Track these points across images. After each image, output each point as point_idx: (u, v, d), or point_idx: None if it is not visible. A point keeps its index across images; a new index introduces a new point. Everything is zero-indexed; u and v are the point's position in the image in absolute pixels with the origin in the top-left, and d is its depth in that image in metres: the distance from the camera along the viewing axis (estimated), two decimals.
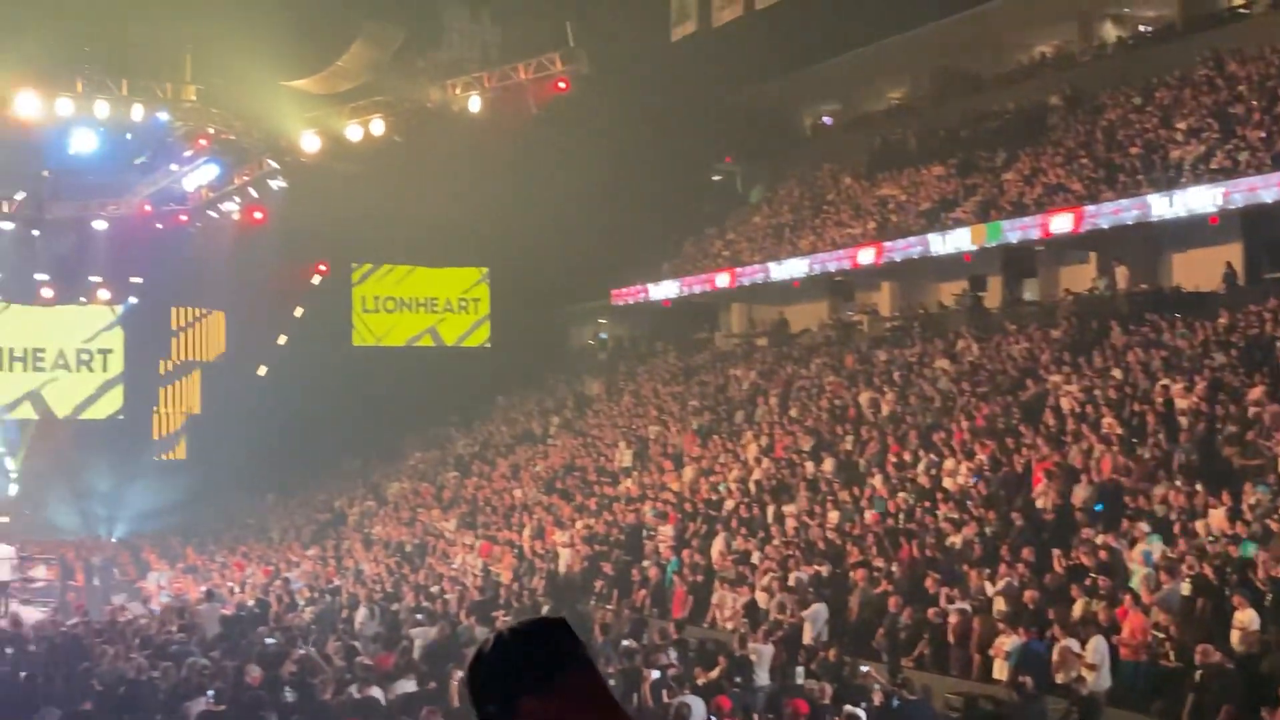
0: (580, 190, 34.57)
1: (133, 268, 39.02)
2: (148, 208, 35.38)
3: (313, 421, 37.67)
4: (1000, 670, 15.18)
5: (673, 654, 16.60)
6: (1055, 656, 14.44)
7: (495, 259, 41.00)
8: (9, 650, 18.47)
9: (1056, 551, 16.47)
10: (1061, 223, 26.04)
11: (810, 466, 23.43)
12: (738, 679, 15.84)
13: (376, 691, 15.20)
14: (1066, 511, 17.71)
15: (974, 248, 28.06)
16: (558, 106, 28.54)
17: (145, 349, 40.70)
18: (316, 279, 41.74)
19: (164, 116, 27.79)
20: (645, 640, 18.31)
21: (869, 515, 20.39)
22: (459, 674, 15.28)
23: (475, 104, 27.64)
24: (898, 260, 30.01)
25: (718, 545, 21.41)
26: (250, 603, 24.20)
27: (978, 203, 29.24)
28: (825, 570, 18.89)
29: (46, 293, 38.85)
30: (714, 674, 15.71)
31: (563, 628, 2.24)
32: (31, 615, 24.77)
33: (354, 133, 28.17)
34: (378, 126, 28.10)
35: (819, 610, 17.69)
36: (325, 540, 31.79)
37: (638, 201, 37.00)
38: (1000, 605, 15.96)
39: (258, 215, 33.70)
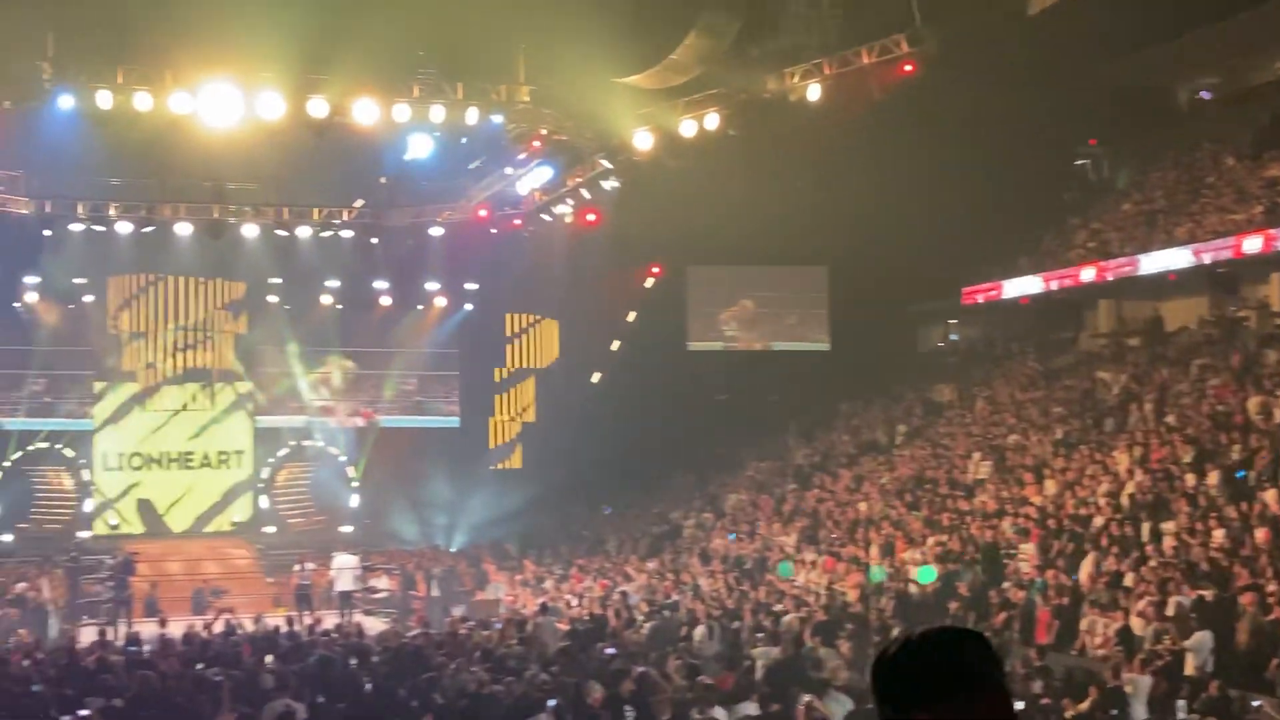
0: (928, 181, 34.01)
1: (468, 274, 41.05)
2: (483, 213, 36.91)
3: (647, 429, 38.56)
4: None
5: (1038, 684, 16.18)
6: None
7: (836, 256, 40.75)
8: (353, 661, 19.66)
9: None
10: None
11: (1191, 479, 22.40)
12: (1113, 712, 15.31)
13: (720, 713, 15.43)
14: None
15: None
16: (903, 92, 28.15)
17: (480, 356, 42.68)
18: (650, 282, 42.72)
19: (498, 119, 28.72)
20: (1007, 668, 17.90)
21: (1259, 534, 19.32)
22: (805, 698, 15.35)
23: (814, 92, 27.47)
24: None
25: (1086, 566, 20.75)
26: (587, 617, 25.02)
27: None
28: (1209, 594, 18.02)
29: (384, 300, 41.32)
30: (1084, 706, 15.24)
31: (978, 643, 2.17)
32: (374, 626, 26.37)
33: (688, 128, 28.44)
34: (712, 121, 28.29)
35: (1203, 639, 16.89)
36: (662, 553, 32.51)
37: (991, 191, 36.01)
38: None
39: (590, 217, 34.65)
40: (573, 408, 39.98)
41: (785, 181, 34.20)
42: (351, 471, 41.97)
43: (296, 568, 30.07)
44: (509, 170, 34.24)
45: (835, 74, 27.47)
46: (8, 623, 27.56)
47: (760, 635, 21.28)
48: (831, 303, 43.06)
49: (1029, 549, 22.60)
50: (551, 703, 15.80)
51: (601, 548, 35.73)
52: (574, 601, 28.23)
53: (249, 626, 24.20)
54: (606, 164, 31.09)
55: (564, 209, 34.78)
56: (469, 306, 42.55)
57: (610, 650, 19.87)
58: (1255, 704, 14.93)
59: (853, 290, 40.55)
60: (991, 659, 2.13)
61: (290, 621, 24.97)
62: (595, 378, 42.63)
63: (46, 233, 35.16)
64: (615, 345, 42.55)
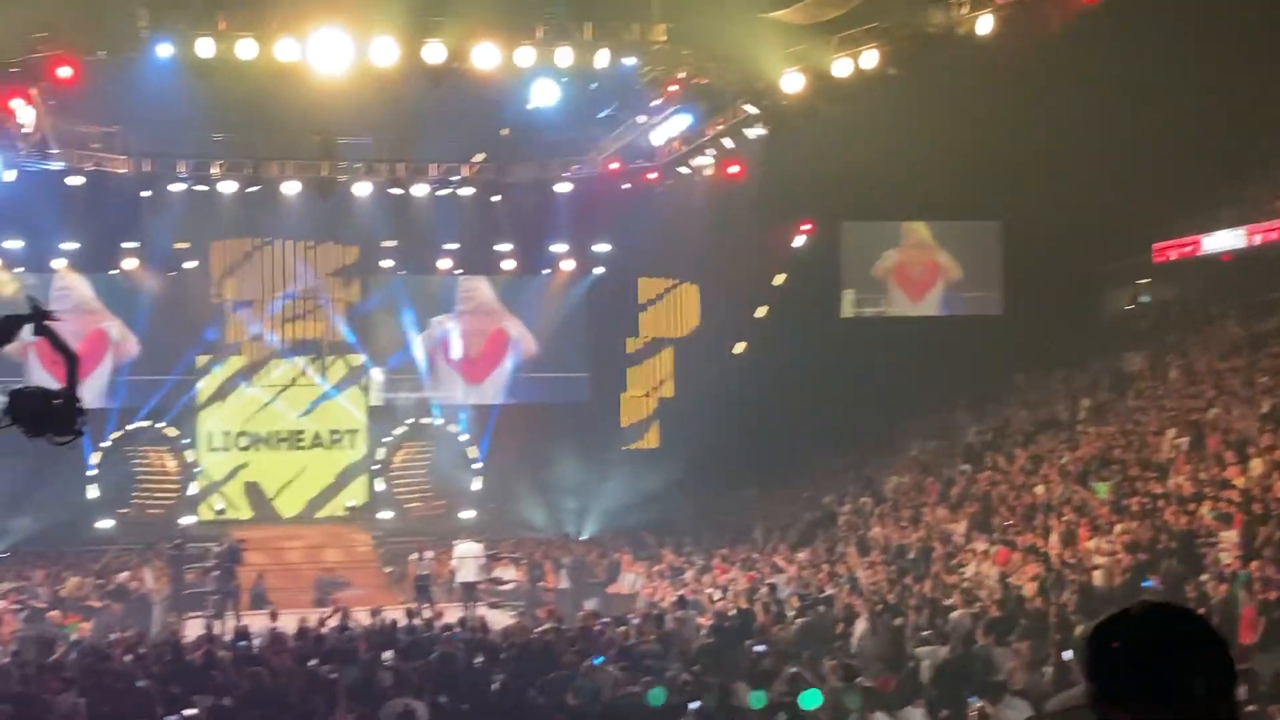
0: (1113, 124, 33.29)
1: (598, 234, 41.24)
2: (614, 166, 36.95)
3: (797, 404, 38.44)
4: None
5: (1242, 688, 15.82)
6: None
7: (1010, 210, 40.08)
8: (477, 658, 19.91)
9: None
10: None
11: None
12: None
13: (881, 719, 15.37)
14: None
15: None
16: (1086, 21, 27.45)
17: (612, 325, 42.87)
18: (799, 240, 42.46)
19: (631, 62, 28.55)
20: None
21: None
22: (976, 703, 15.20)
23: (985, 25, 26.79)
24: None
25: None
26: (732, 612, 25.04)
27: None
28: None
29: (508, 264, 41.68)
30: None
31: (1215, 653, 2.10)
32: (499, 620, 26.69)
33: (842, 68, 27.89)
34: (870, 59, 27.72)
35: None
36: (814, 542, 32.41)
37: (1188, 134, 35.09)
38: None
39: (733, 170, 34.46)
40: (714, 381, 39.95)
41: (952, 126, 33.60)
42: (473, 452, 42.46)
43: (415, 557, 30.51)
44: (643, 119, 34.12)
45: (1009, 3, 26.80)
46: (109, 616, 28.43)
47: (926, 633, 21.11)
48: (1005, 262, 42.42)
49: (1230, 537, 22.13)
50: (694, 705, 15.88)
51: (747, 536, 35.73)
52: (716, 595, 28.28)
53: (365, 620, 24.61)
54: (751, 110, 30.67)
55: (704, 160, 34.60)
56: (599, 270, 42.78)
57: (759, 648, 19.89)
58: None
59: (1029, 248, 39.84)
60: (1219, 671, 2.07)
61: (409, 615, 25.45)
62: (739, 348, 42.57)
63: (145, 194, 36.03)
64: (761, 312, 42.41)
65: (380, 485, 41.99)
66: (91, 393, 38.68)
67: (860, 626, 22.33)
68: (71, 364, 9.74)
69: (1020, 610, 22.47)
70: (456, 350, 42.74)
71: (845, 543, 31.50)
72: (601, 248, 42.11)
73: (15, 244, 38.12)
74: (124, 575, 31.66)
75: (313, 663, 19.22)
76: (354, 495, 41.73)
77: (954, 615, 22.14)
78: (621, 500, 38.60)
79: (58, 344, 9.91)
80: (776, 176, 34.72)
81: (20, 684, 18.21)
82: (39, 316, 9.69)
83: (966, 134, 33.91)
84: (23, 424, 9.48)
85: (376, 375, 42.26)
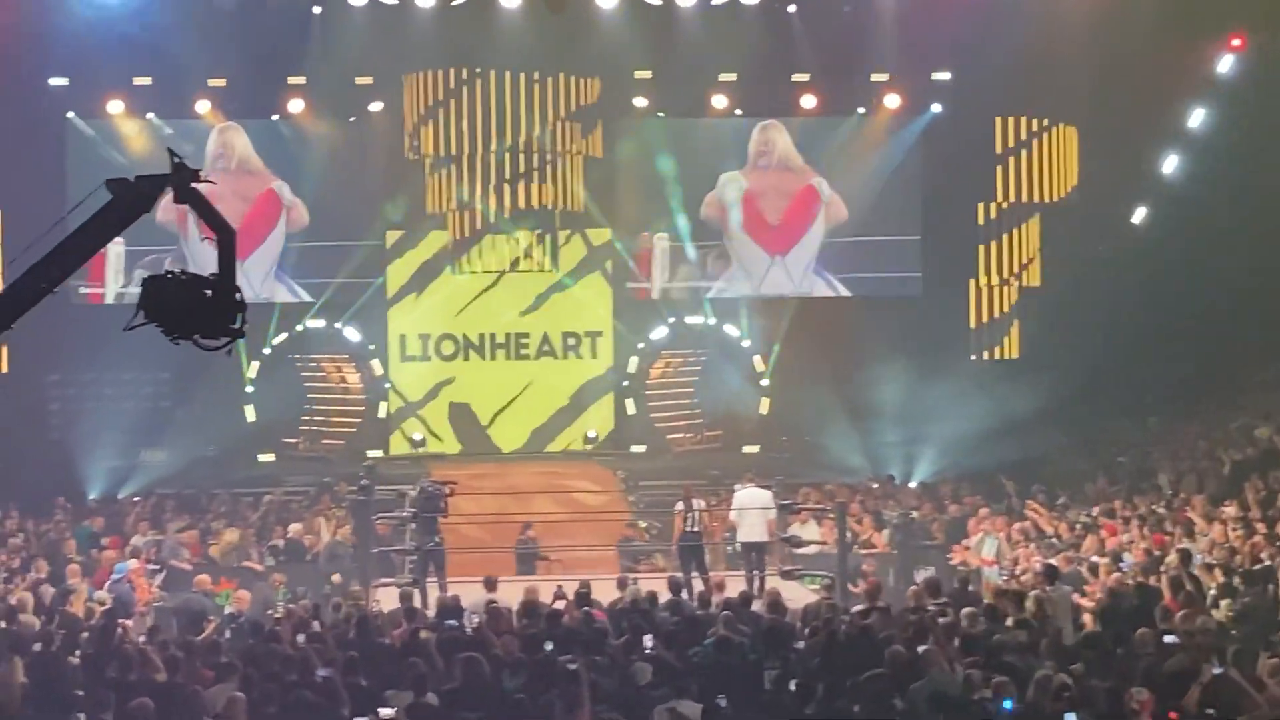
0: None
1: (934, 59, 40.83)
2: None
3: (1221, 296, 37.57)
4: None
5: None
6: None
7: None
8: (779, 656, 19.96)
9: None
10: None
11: None
12: None
13: None
14: None
15: None
16: None
17: (955, 186, 42.23)
18: (1226, 62, 41.15)
19: None
20: None
21: None
22: None
23: None
24: None
25: None
26: (1130, 587, 24.68)
27: None
28: None
29: (807, 101, 41.49)
30: None
31: None
32: (797, 595, 26.71)
33: None
34: None
35: None
36: (1244, 493, 31.68)
37: None
38: None
39: None
40: (1100, 264, 39.22)
41: None
42: (759, 364, 42.55)
43: (680, 508, 30.64)
44: None
45: None
46: (273, 582, 29.27)
47: None
48: None
49: None
50: (1071, 717, 15.72)
51: (1148, 482, 35.14)
52: (1103, 564, 27.88)
53: (613, 593, 24.91)
54: None
55: None
56: (936, 108, 42.38)
57: (1168, 638, 19.59)
58: None
59: None
60: None
61: (674, 587, 25.59)
62: (1137, 215, 41.75)
63: (316, 10, 36.72)
64: (1169, 164, 41.40)
65: (631, 408, 42.49)
66: (255, 279, 39.97)
67: None
68: (227, 242, 9.95)
69: None
70: (737, 218, 42.78)
71: None
72: (940, 77, 41.68)
73: (144, 81, 39.36)
74: (293, 528, 32.59)
75: (547, 648, 19.56)
76: (596, 422, 42.36)
77: None
78: (967, 432, 38.17)
79: (208, 215, 10.15)
80: None
81: (160, 670, 18.93)
82: (183, 178, 9.92)
83: None
84: (161, 321, 9.74)
85: (626, 257, 42.61)
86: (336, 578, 30.05)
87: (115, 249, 39.31)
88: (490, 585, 25.35)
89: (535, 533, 32.98)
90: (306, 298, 41.74)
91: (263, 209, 40.94)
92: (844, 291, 42.66)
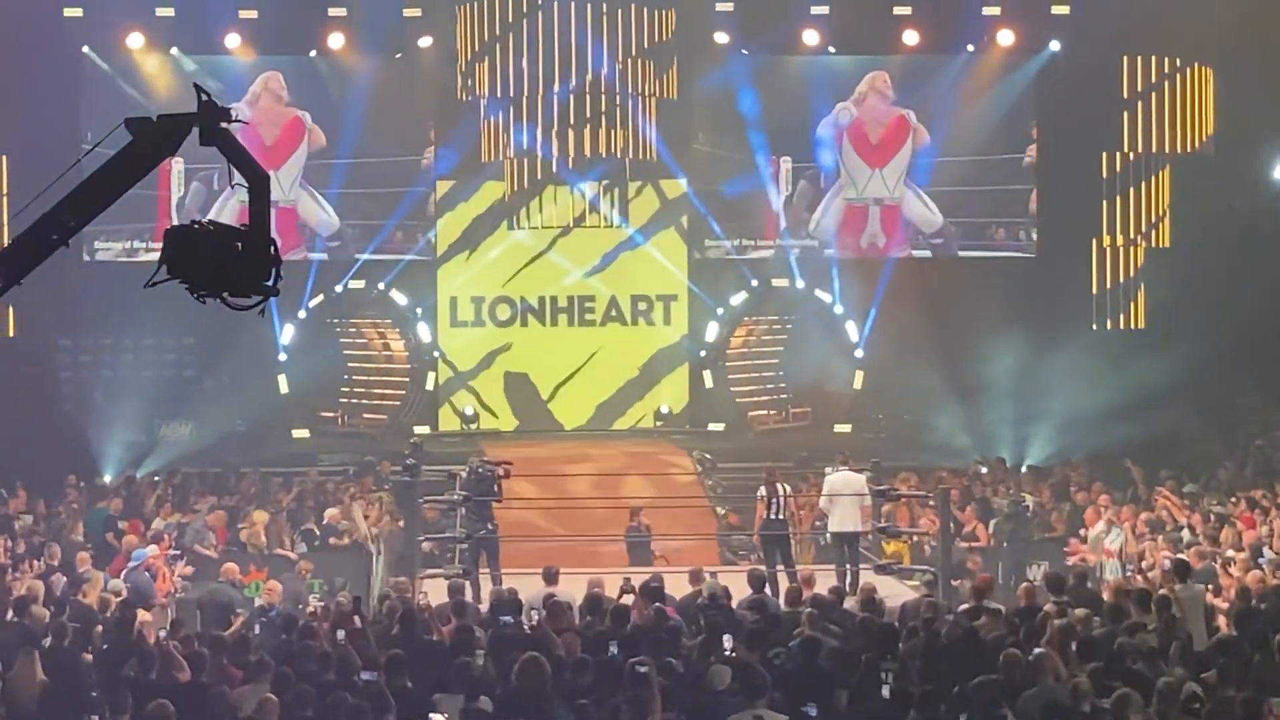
0: None
1: None
2: None
3: None
4: None
5: None
6: None
7: None
8: (874, 659, 19.83)
9: None
10: None
11: None
12: None
13: None
14: None
15: None
16: None
17: (1075, 132, 42.05)
18: None
19: None
20: None
21: None
22: None
23: None
24: None
25: None
26: (1263, 586, 24.54)
27: None
28: None
29: (910, 38, 41.47)
30: None
31: None
32: (896, 591, 26.68)
33: None
34: None
35: None
36: None
37: None
38: None
39: None
40: (1239, 223, 39.01)
41: None
42: (853, 332, 42.46)
43: (762, 493, 30.58)
44: None
45: None
46: (296, 576, 29.33)
47: None
48: None
49: None
50: None
51: None
52: (1240, 560, 27.73)
53: (687, 587, 24.89)
54: None
55: None
56: (1055, 46, 42.25)
57: None
58: None
59: None
60: None
61: (756, 581, 25.55)
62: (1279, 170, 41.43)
63: None
64: None
65: (709, 382, 42.49)
66: (284, 183, 40.10)
67: None
68: (260, 190, 9.94)
69: None
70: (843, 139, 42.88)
71: None
72: (1059, 10, 41.55)
73: (167, 12, 39.50)
74: (331, 512, 32.69)
75: (613, 649, 19.56)
76: (669, 397, 42.40)
77: None
78: (1087, 410, 38.08)
79: (239, 159, 10.14)
80: None
81: (183, 668, 18.99)
82: (212, 117, 9.92)
83: None
84: (187, 277, 9.74)
85: (709, 214, 42.58)
86: (379, 567, 30.20)
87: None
88: (550, 578, 25.31)
89: (647, 519, 32.64)
90: (334, 216, 41.82)
91: (290, 132, 41.10)
92: (946, 252, 42.53)
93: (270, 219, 9.87)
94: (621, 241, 42.41)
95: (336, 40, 40.67)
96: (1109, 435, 37.42)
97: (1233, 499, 32.42)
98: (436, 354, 42.16)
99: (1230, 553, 28.45)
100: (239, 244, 9.70)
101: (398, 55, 41.29)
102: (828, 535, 30.07)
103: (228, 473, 36.21)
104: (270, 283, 9.88)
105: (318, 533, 31.96)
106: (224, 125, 9.98)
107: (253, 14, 39.65)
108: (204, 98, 10.06)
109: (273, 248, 9.82)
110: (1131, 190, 42.93)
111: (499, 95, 41.52)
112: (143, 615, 23.53)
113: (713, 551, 32.76)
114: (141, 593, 25.88)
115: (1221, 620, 23.94)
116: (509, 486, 29.50)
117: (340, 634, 20.88)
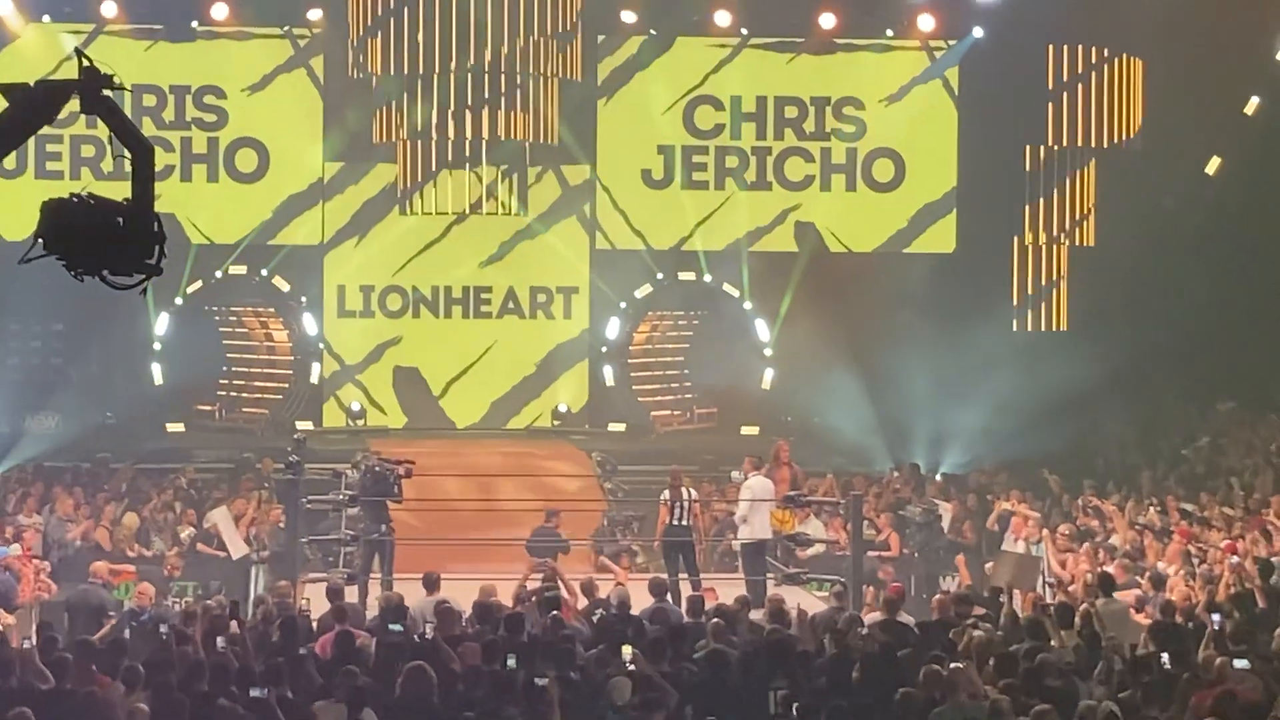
0: None
1: None
2: None
3: None
4: None
5: None
6: None
7: None
8: (781, 673, 19.84)
9: None
10: None
11: None
12: None
13: None
14: None
15: None
16: None
17: (995, 124, 42.31)
18: None
19: None
20: None
21: None
22: None
23: None
24: None
25: None
26: (1188, 602, 24.65)
27: None
28: None
29: (826, 22, 41.41)
30: None
31: None
32: (805, 602, 26.63)
33: None
34: None
35: None
36: None
37: None
38: None
39: None
40: (1167, 221, 39.27)
41: None
42: (763, 330, 42.47)
43: (665, 497, 30.57)
44: None
45: None
46: (183, 574, 29.12)
47: None
48: None
49: None
50: None
51: (1218, 480, 35.13)
52: (1171, 572, 27.87)
53: (581, 597, 24.84)
54: None
55: None
56: (977, 33, 42.35)
57: (1240, 663, 19.51)
58: None
59: None
60: None
61: (659, 589, 25.52)
62: (1212, 165, 41.71)
63: None
64: (1250, 105, 41.35)
65: (610, 379, 42.43)
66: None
67: None
68: (143, 161, 9.81)
69: None
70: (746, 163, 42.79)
71: None
72: None
73: None
74: (210, 513, 32.49)
75: (510, 662, 19.45)
76: (569, 394, 42.33)
77: None
78: (1007, 415, 38.20)
79: (121, 129, 10.01)
80: None
81: (48, 675, 18.76)
82: (94, 83, 9.78)
83: None
84: (64, 253, 9.58)
85: (608, 201, 42.52)
86: (258, 569, 30.04)
87: None
88: (431, 584, 25.12)
89: (561, 523, 32.15)
90: (230, 243, 41.48)
91: None
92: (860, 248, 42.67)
93: (153, 193, 9.71)
94: (520, 230, 42.22)
95: (220, 11, 40.31)
96: (1028, 442, 37.53)
97: (1157, 508, 32.59)
98: (322, 345, 41.88)
99: (1160, 564, 28.61)
100: (120, 219, 9.56)
101: (284, 29, 40.99)
102: (736, 543, 30.07)
103: (97, 468, 35.88)
104: (153, 261, 9.73)
105: (192, 533, 31.74)
106: (106, 93, 9.84)
107: None
108: (85, 63, 9.92)
109: (156, 224, 9.68)
110: (1055, 186, 43.10)
111: (392, 73, 41.24)
112: (4, 618, 23.32)
113: (620, 560, 32.59)
114: (2, 594, 25.65)
115: (1144, 637, 24.00)
116: (406, 486, 29.44)
117: (221, 641, 20.68)
